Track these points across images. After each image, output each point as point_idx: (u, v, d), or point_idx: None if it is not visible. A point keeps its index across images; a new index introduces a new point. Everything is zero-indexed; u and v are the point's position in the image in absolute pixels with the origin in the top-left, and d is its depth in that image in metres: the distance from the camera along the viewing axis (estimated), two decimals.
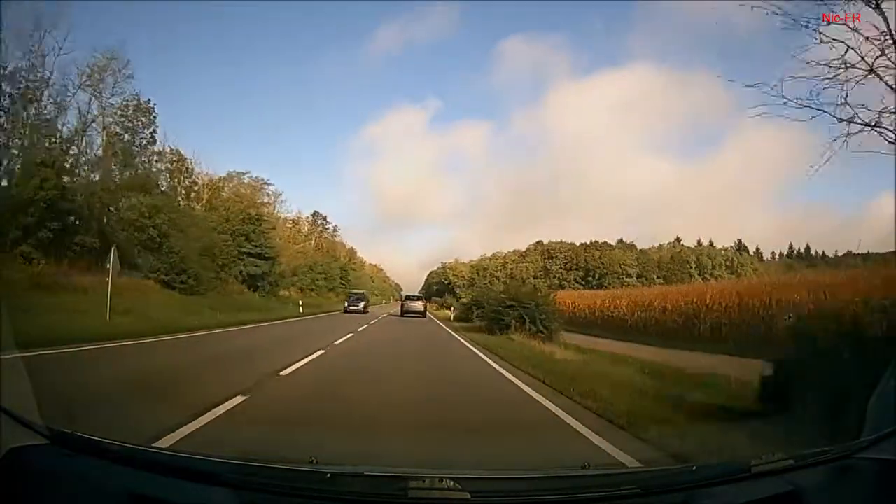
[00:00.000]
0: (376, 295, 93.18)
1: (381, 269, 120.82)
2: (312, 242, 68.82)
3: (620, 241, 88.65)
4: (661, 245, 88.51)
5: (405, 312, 30.13)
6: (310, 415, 5.17)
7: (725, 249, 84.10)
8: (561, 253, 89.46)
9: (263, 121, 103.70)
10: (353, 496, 1.58)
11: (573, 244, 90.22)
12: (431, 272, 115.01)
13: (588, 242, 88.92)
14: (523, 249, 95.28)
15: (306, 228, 70.21)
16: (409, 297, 33.47)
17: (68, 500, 1.58)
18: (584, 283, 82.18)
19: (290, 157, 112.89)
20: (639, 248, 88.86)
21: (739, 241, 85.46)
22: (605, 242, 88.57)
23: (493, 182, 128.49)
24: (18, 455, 1.61)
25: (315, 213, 72.44)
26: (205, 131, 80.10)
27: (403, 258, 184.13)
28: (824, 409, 3.91)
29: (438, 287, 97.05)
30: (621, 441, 4.32)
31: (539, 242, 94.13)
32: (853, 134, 6.46)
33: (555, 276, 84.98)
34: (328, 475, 1.64)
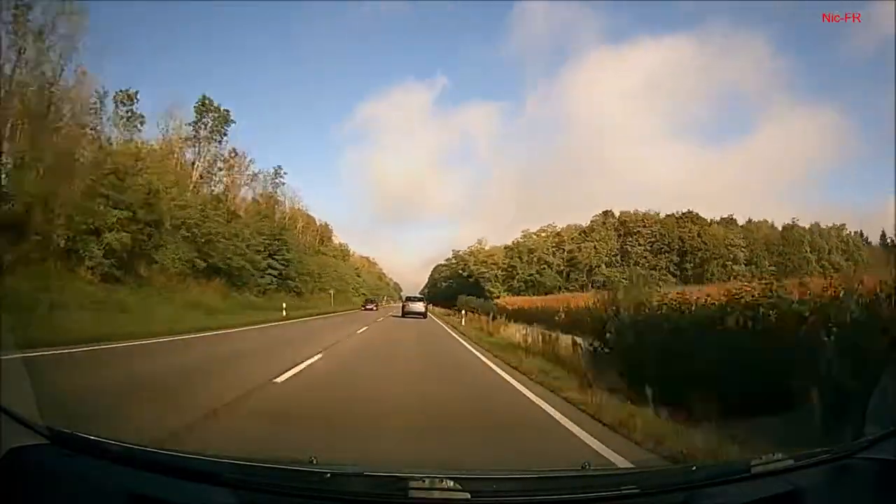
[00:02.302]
0: (363, 295, 70.55)
1: (376, 264, 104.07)
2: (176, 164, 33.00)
3: (687, 214, 62.59)
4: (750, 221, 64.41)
5: (406, 313, 31.72)
6: None
7: (836, 228, 63.86)
8: (644, 227, 63.01)
9: (245, 93, 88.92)
10: (353, 496, 1.59)
11: (657, 215, 63.99)
12: (438, 266, 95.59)
13: (681, 213, 62.56)
14: (585, 224, 67.82)
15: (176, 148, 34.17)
16: (409, 299, 35.29)
17: (68, 500, 1.58)
18: (678, 271, 58.84)
19: (275, 136, 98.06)
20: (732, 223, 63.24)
21: (816, 224, 65.26)
22: (699, 214, 62.71)
23: (504, 172, 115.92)
24: (18, 455, 1.61)
25: (203, 101, 36.19)
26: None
27: (404, 258, 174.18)
28: None
29: (452, 283, 72.59)
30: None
31: (607, 213, 66.68)
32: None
33: (637, 262, 60.49)
34: (328, 475, 1.64)
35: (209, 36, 79.13)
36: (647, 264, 60.83)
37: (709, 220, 62.51)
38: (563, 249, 66.12)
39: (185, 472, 1.68)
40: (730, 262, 58.08)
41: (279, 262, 38.38)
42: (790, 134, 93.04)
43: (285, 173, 49.59)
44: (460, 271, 73.48)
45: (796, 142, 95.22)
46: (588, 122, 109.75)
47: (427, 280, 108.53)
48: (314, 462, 1.79)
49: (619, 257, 63.40)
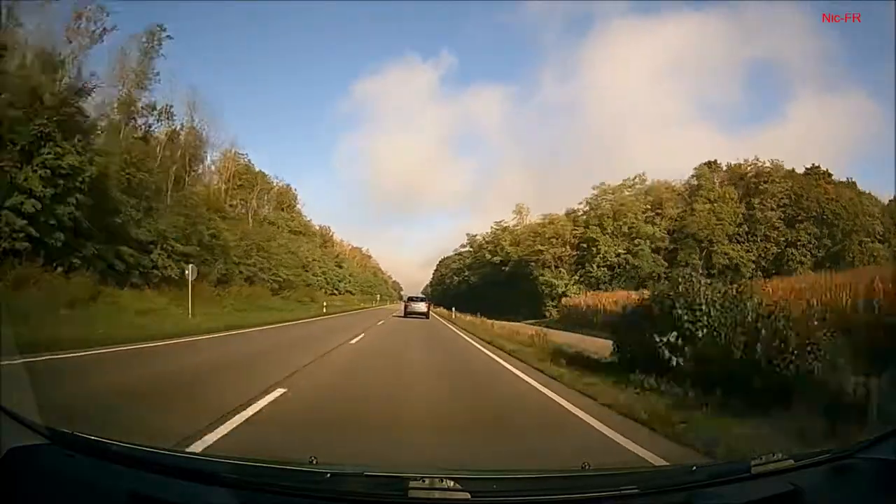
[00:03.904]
0: (349, 292, 58.99)
1: (370, 257, 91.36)
2: None
3: (814, 170, 42.89)
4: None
5: (408, 313, 31.40)
6: None
7: None
8: (770, 183, 41.67)
9: (223, 62, 75.26)
10: (353, 496, 1.59)
11: (782, 166, 42.53)
12: (444, 260, 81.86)
13: (809, 167, 42.70)
14: (677, 182, 44.85)
15: None
16: (411, 299, 34.84)
17: (68, 500, 1.58)
18: (818, 249, 39.98)
19: (259, 115, 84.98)
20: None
21: None
22: (829, 171, 42.80)
23: (517, 160, 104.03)
24: (18, 455, 1.61)
25: None
26: None
27: (405, 255, 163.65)
28: None
29: (469, 277, 57.13)
30: None
31: (711, 164, 44.26)
32: None
33: (767, 236, 40.52)
34: (328, 475, 1.64)
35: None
36: (781, 238, 40.55)
37: (833, 179, 42.55)
38: (660, 215, 41.77)
39: (185, 472, 1.68)
40: (867, 239, 39.99)
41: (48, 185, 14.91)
42: (830, 114, 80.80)
43: (168, 37, 28.77)
44: (488, 256, 51.61)
45: (835, 121, 79.30)
46: (610, 102, 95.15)
47: (430, 278, 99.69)
48: (314, 462, 1.79)
49: (744, 224, 41.41)
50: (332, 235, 64.50)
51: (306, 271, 44.13)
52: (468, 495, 1.54)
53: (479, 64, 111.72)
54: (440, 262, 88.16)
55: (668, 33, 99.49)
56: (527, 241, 46.27)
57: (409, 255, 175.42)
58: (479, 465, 3.53)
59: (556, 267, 42.15)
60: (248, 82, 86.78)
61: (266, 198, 45.22)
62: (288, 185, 49.38)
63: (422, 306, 32.48)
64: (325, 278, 51.61)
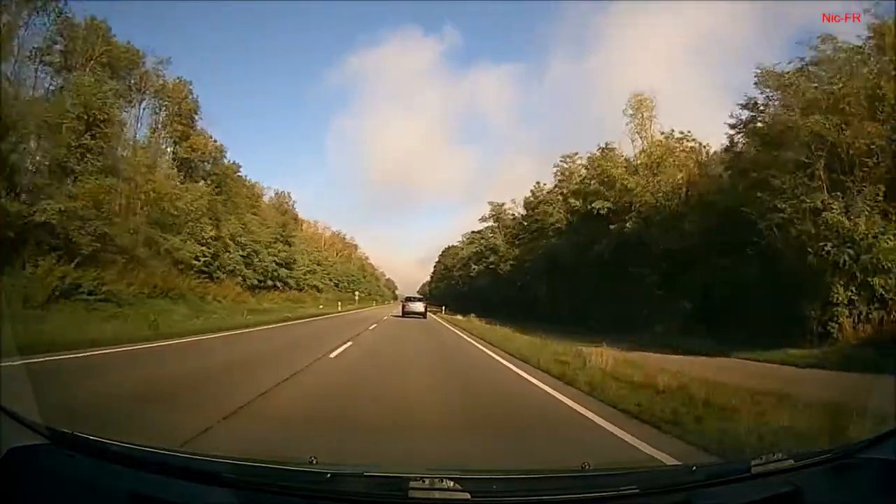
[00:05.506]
0: (313, 288, 43.88)
1: (356, 247, 77.31)
2: None
3: None
4: None
5: (406, 313, 31.57)
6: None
7: None
8: None
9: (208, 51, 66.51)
10: (352, 496, 1.59)
11: None
12: (450, 248, 67.21)
13: None
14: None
15: None
16: (409, 299, 34.89)
17: (68, 500, 1.58)
18: None
19: (235, 92, 75.04)
20: None
21: None
22: None
23: (521, 150, 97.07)
24: (18, 455, 1.61)
25: None
26: None
27: (400, 254, 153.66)
28: None
29: (495, 264, 39.77)
30: None
31: None
32: None
33: None
34: (328, 475, 1.64)
35: None
36: None
37: None
38: None
39: (185, 472, 1.68)
40: None
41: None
42: None
43: None
44: (555, 215, 31.55)
45: None
46: (628, 83, 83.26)
47: (431, 275, 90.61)
48: (314, 462, 1.79)
49: None
50: (291, 205, 45.90)
51: (183, 240, 23.68)
52: (468, 495, 1.54)
53: (485, 39, 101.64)
54: (444, 251, 74.21)
55: (691, 6, 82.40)
56: (621, 179, 23.87)
57: (408, 253, 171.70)
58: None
59: (843, 188, 13.21)
60: (236, 75, 79.19)
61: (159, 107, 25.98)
62: (187, 83, 27.97)
63: (419, 306, 33.05)
64: (245, 258, 30.45)
